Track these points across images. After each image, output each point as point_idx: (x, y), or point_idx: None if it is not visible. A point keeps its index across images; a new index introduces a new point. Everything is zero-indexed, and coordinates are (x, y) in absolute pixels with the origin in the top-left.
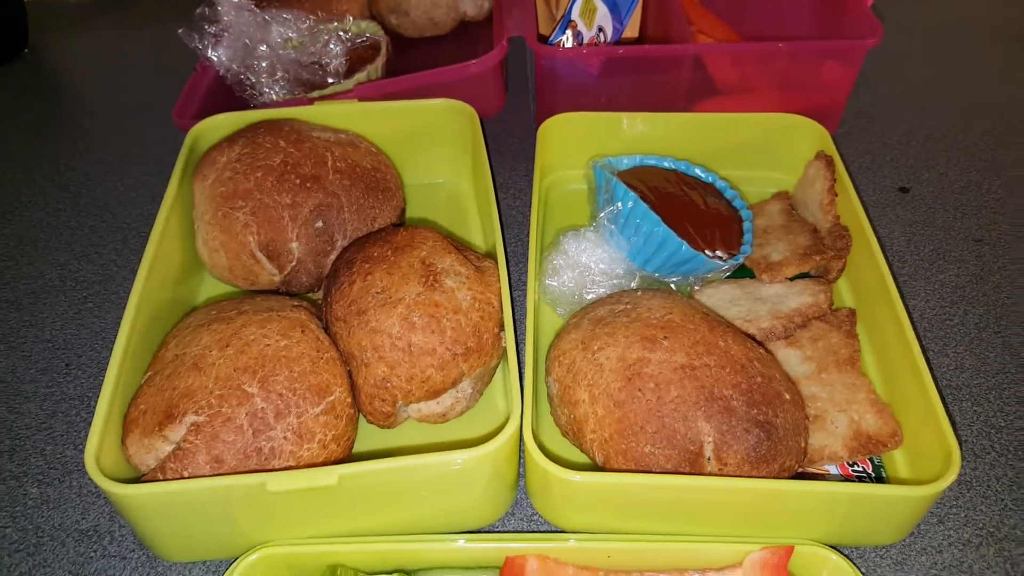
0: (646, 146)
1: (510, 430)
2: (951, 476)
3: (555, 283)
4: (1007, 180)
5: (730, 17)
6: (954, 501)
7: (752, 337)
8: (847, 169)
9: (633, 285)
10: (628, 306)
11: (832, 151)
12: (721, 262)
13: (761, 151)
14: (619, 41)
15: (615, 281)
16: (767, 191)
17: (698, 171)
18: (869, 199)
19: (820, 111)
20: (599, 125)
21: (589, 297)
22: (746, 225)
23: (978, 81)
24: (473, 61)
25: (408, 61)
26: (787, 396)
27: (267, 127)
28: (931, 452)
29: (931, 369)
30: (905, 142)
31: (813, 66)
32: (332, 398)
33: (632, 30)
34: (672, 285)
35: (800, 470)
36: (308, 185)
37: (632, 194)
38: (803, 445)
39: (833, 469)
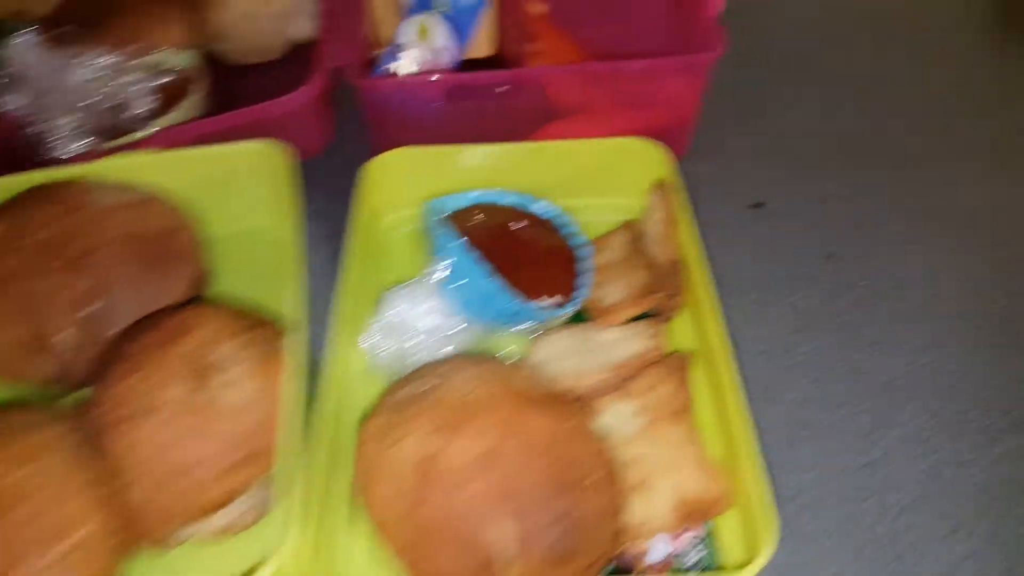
0: (488, 179)
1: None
2: (760, 561)
3: (375, 347)
4: (861, 188)
5: (580, 33)
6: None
7: (581, 396)
8: (699, 188)
9: (451, 348)
10: (431, 385)
11: (672, 177)
12: (555, 311)
13: (609, 177)
14: (463, 63)
15: (448, 338)
16: (619, 219)
17: (537, 207)
18: (722, 218)
19: (670, 127)
20: (435, 160)
21: (413, 359)
22: (584, 265)
23: (838, 84)
24: (286, 97)
25: (236, 91)
26: (596, 477)
27: (41, 194)
28: (757, 518)
29: (759, 414)
30: (762, 154)
31: (658, 83)
32: (82, 534)
33: (485, 48)
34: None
35: (620, 551)
36: (78, 265)
37: (458, 243)
38: (615, 530)
39: (658, 542)
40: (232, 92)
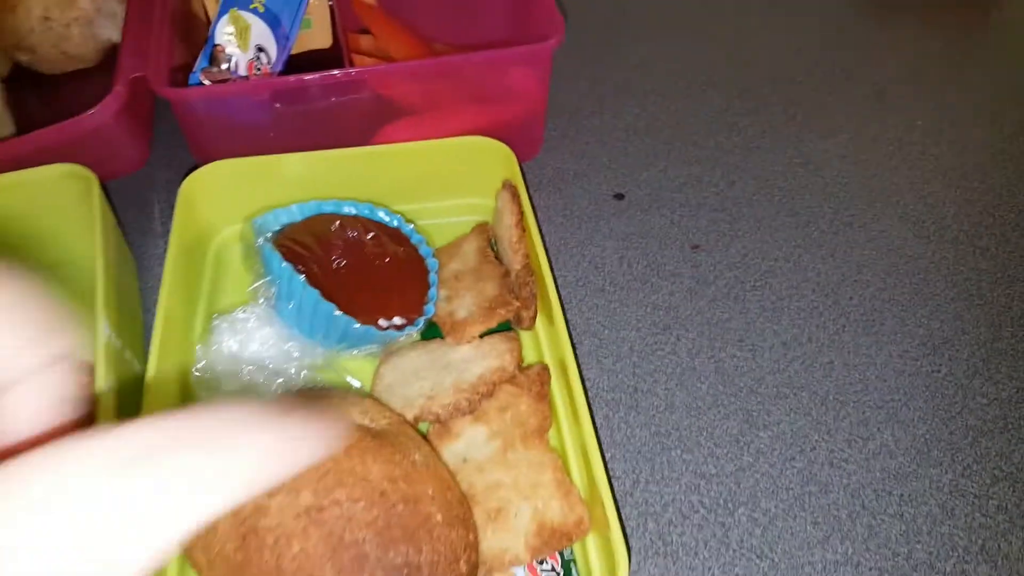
0: (323, 189)
1: None
2: None
3: (208, 381)
4: (728, 169)
5: (417, 23)
6: None
7: (438, 417)
8: (561, 181)
9: (285, 380)
10: None
11: (517, 178)
12: (397, 332)
13: (456, 178)
14: (298, 57)
15: (283, 369)
16: (470, 220)
17: (381, 214)
18: (586, 211)
19: (520, 121)
20: (261, 170)
21: (246, 379)
22: (431, 278)
23: (703, 60)
24: (85, 114)
25: (47, 104)
26: (438, 517)
27: None
28: (610, 547)
29: (625, 422)
30: (624, 139)
31: (501, 75)
32: None
33: (321, 39)
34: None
35: None
36: None
37: (284, 265)
38: (465, 570)
39: (520, 572)
40: (46, 106)
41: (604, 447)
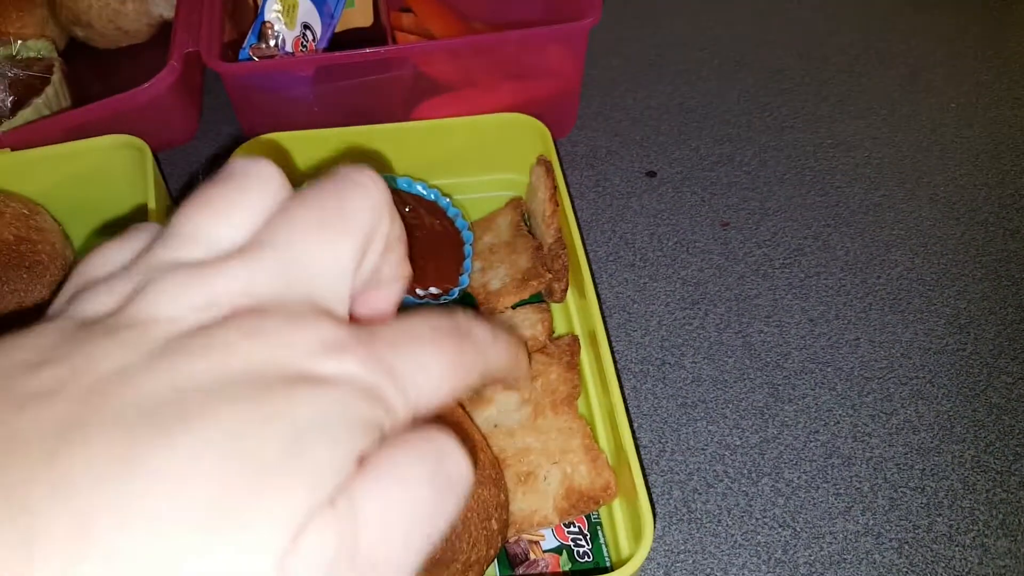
0: (364, 162)
1: None
2: (642, 554)
3: None
4: (760, 148)
5: (460, 3)
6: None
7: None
8: (594, 158)
9: None
10: None
11: (552, 154)
12: (433, 301)
13: (491, 153)
14: (342, 34)
15: None
16: (504, 195)
17: (419, 188)
18: (618, 188)
19: (556, 98)
20: (306, 144)
21: None
22: (466, 250)
23: (736, 40)
24: (140, 88)
25: (101, 77)
26: (478, 472)
27: None
28: (636, 511)
29: (652, 393)
30: (656, 117)
31: (537, 53)
32: None
33: (363, 18)
34: None
35: (508, 541)
36: None
37: None
38: (496, 527)
39: (549, 534)
40: (100, 79)
41: (632, 416)
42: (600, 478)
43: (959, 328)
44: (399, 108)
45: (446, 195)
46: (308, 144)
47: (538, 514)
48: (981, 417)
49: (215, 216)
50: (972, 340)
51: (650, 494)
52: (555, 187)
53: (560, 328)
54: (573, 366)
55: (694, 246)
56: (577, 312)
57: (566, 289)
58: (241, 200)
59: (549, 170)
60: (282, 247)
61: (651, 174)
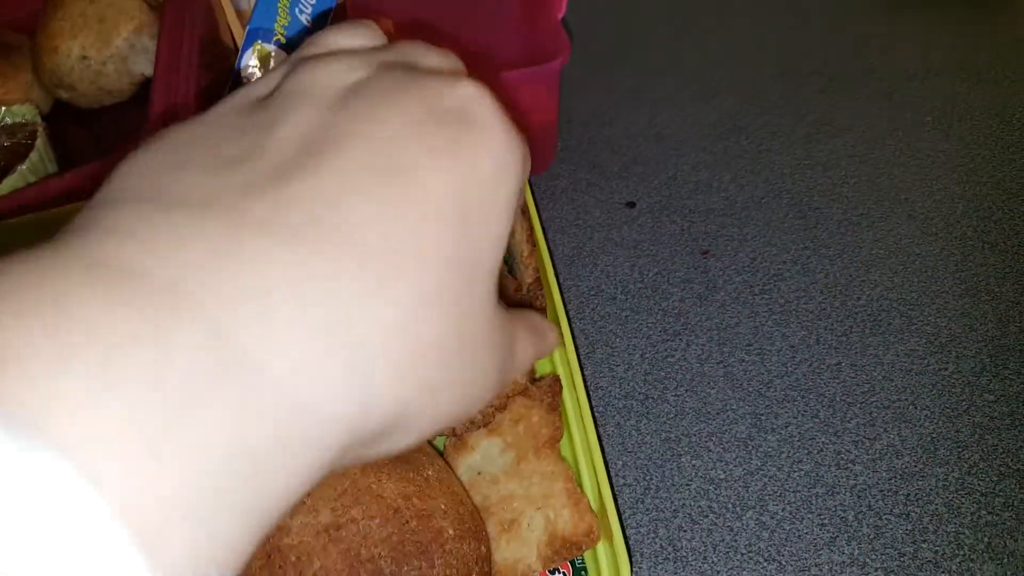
0: None
1: None
2: None
3: None
4: (737, 173)
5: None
6: None
7: (455, 432)
8: (575, 190)
9: None
10: None
11: (526, 192)
12: None
13: None
14: None
15: None
16: None
17: None
18: (596, 220)
19: (534, 135)
20: None
21: None
22: None
23: (711, 65)
24: (120, 150)
25: (87, 136)
26: (451, 531)
27: None
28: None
29: (636, 429)
30: (635, 146)
31: (509, 94)
32: None
33: None
34: None
35: None
36: None
37: None
38: None
39: None
40: (86, 138)
41: (616, 455)
42: (583, 522)
43: (940, 347)
44: None
45: None
46: None
47: (522, 563)
48: (964, 438)
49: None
50: (953, 359)
51: (625, 535)
52: (531, 227)
53: (538, 369)
54: (555, 407)
55: (674, 276)
56: (556, 351)
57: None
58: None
59: (524, 210)
60: None
61: (630, 204)
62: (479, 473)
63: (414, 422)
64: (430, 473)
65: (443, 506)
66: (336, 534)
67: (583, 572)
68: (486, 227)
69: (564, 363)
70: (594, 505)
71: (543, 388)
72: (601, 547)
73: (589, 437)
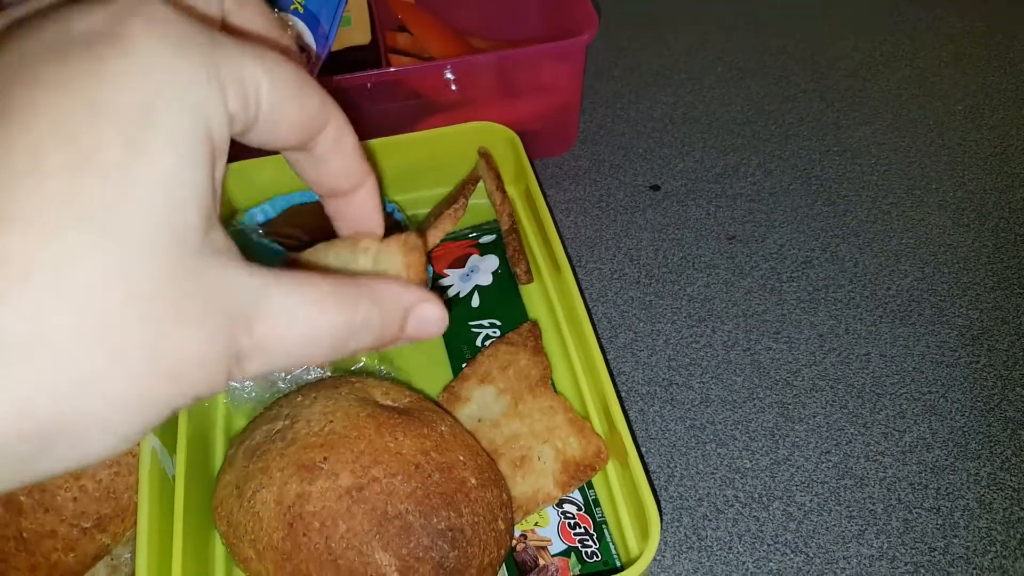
0: None
1: None
2: (648, 556)
3: (235, 382)
4: (765, 158)
5: (452, 18)
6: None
7: (448, 387)
8: (598, 171)
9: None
10: (286, 422)
11: (523, 160)
12: None
13: (464, 163)
14: (339, 53)
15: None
16: (482, 203)
17: None
18: (620, 203)
19: (557, 113)
20: (262, 169)
21: (283, 386)
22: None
23: (738, 48)
24: None
25: None
26: (472, 481)
27: None
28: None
29: (660, 416)
30: (659, 128)
31: (536, 70)
32: None
33: (361, 36)
34: None
35: (522, 546)
36: None
37: (287, 253)
38: (503, 527)
39: (555, 538)
40: None
41: (640, 441)
42: (591, 445)
43: (971, 340)
44: (396, 129)
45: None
46: (260, 168)
47: (541, 492)
48: (996, 432)
49: None
50: (985, 352)
51: (653, 488)
52: (499, 176)
53: (541, 312)
54: (539, 350)
55: (700, 261)
56: (557, 294)
57: (528, 271)
58: None
59: (490, 160)
60: None
61: (655, 187)
62: (479, 420)
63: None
64: (443, 428)
65: (462, 457)
66: (359, 495)
67: (604, 526)
68: (138, 160)
69: (567, 303)
70: (606, 435)
71: (523, 334)
72: (623, 501)
73: (600, 374)
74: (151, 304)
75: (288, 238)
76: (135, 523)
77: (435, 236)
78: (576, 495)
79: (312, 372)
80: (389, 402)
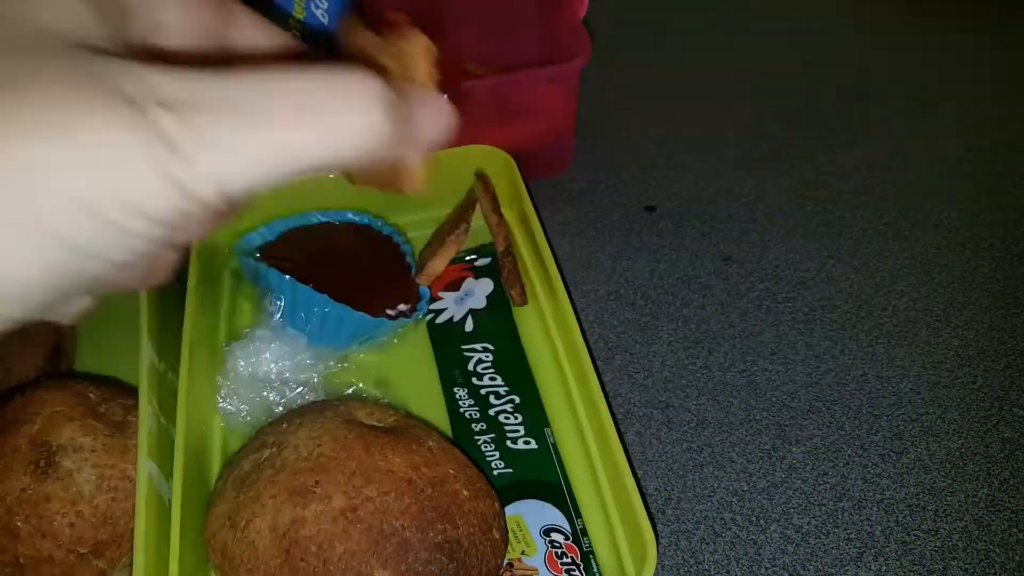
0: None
1: None
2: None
3: (232, 407)
4: (759, 179)
5: (450, 43)
6: None
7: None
8: (593, 194)
9: (316, 378)
10: (273, 450)
11: (518, 181)
12: (407, 318)
13: (459, 186)
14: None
15: (302, 378)
16: (478, 225)
17: (350, 215)
18: (615, 224)
19: (551, 137)
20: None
21: (279, 410)
22: (409, 261)
23: (732, 70)
24: None
25: None
26: (465, 493)
27: None
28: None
29: (657, 438)
30: (654, 150)
31: (529, 93)
32: None
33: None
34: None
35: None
36: None
37: (286, 279)
38: (498, 536)
39: (542, 568)
40: None
41: (636, 464)
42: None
43: (968, 360)
44: None
45: (377, 217)
46: (277, 190)
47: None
48: (994, 453)
49: None
50: (982, 372)
51: (650, 512)
52: (495, 198)
53: (534, 335)
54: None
55: (695, 282)
56: (552, 320)
57: (523, 293)
58: None
59: (487, 182)
60: None
61: (650, 209)
62: None
63: None
64: (431, 444)
65: (452, 471)
66: (354, 515)
67: (591, 556)
68: None
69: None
70: (597, 451)
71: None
72: (620, 527)
73: (592, 387)
74: None
75: (286, 261)
76: (131, 549)
77: (441, 262)
78: (564, 524)
79: (306, 396)
80: (375, 422)
